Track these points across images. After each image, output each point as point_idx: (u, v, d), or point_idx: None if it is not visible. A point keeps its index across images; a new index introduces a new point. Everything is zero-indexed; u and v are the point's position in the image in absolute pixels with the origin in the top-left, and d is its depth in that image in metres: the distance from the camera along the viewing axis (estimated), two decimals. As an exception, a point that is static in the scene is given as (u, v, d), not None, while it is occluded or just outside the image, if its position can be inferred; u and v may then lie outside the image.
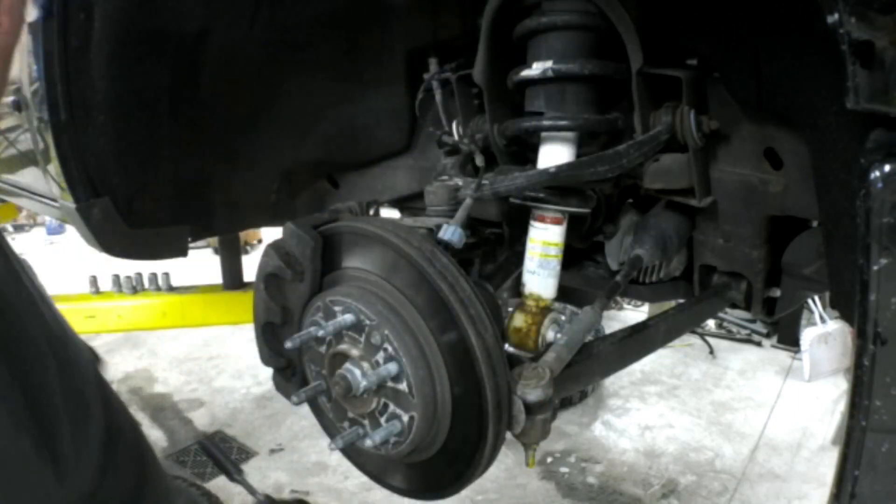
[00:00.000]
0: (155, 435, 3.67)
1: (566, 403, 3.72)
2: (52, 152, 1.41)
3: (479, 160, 1.36)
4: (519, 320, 1.17)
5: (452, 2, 1.51)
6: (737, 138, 1.18)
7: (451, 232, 1.09)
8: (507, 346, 1.16)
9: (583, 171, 1.10)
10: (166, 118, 1.49)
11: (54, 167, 1.44)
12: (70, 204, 1.47)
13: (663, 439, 3.55)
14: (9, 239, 0.64)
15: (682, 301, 1.48)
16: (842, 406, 3.62)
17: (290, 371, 1.21)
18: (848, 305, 1.01)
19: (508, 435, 0.99)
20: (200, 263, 3.59)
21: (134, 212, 1.53)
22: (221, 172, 1.68)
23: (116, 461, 0.60)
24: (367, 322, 0.98)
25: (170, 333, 4.70)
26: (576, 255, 1.59)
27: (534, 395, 0.95)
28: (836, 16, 0.66)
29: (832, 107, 0.94)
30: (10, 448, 0.50)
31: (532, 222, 1.19)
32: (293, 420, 3.66)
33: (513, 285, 1.29)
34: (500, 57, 1.25)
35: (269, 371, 1.24)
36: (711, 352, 4.56)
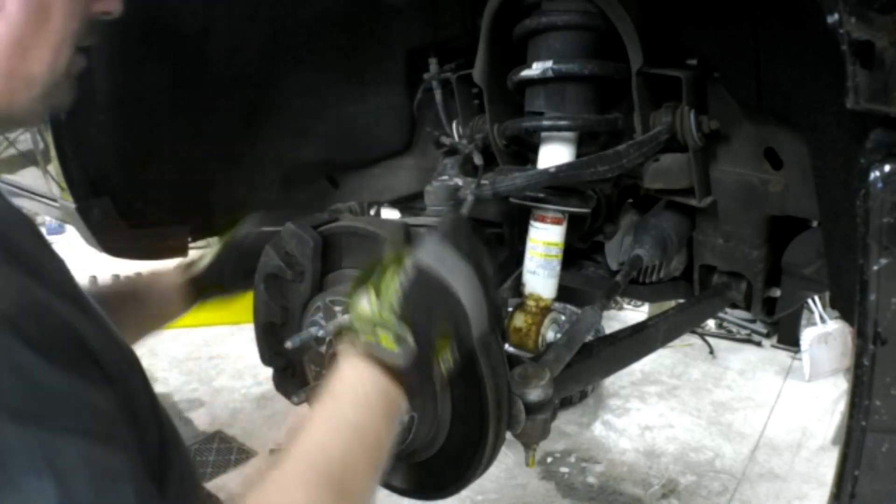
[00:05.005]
0: (155, 435, 3.66)
1: (566, 403, 3.71)
2: (52, 152, 1.41)
3: (478, 159, 1.36)
4: (519, 320, 1.17)
5: (452, 2, 1.51)
6: (737, 138, 1.18)
7: (453, 231, 1.08)
8: (507, 346, 1.15)
9: (583, 171, 1.10)
10: (166, 118, 1.49)
11: (54, 167, 1.44)
12: (70, 204, 1.47)
13: (663, 439, 3.55)
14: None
15: (682, 301, 1.48)
16: (842, 406, 3.62)
17: (290, 371, 1.21)
18: (848, 305, 1.01)
19: (508, 435, 0.99)
20: (200, 263, 3.58)
21: (134, 212, 1.53)
22: (222, 172, 1.68)
23: None
24: (367, 322, 0.98)
25: (170, 333, 4.70)
26: (576, 255, 1.59)
27: (534, 395, 0.95)
28: (836, 16, 0.66)
29: (832, 107, 0.94)
30: None
31: (532, 222, 1.19)
32: (293, 420, 3.66)
33: (513, 285, 1.29)
34: (500, 57, 1.25)
35: (269, 371, 1.24)
36: (711, 352, 4.56)
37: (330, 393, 0.72)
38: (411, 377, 0.73)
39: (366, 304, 0.75)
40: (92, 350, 0.60)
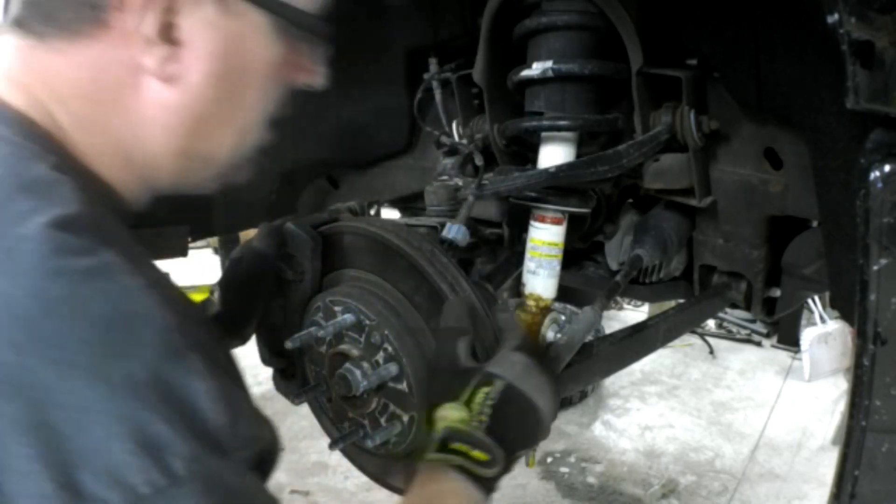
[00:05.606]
0: (155, 435, 3.66)
1: (566, 403, 3.72)
2: (52, 152, 1.40)
3: (478, 159, 1.36)
4: (519, 320, 1.17)
5: (452, 2, 1.51)
6: (737, 138, 1.18)
7: (455, 230, 1.09)
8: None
9: (583, 171, 1.10)
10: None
11: (54, 167, 1.43)
12: (70, 204, 1.46)
13: (663, 439, 3.55)
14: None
15: (682, 301, 1.48)
16: (842, 406, 3.62)
17: (290, 371, 1.21)
18: (848, 305, 1.01)
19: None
20: (200, 263, 3.59)
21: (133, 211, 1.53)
22: (221, 172, 1.67)
23: None
24: (368, 322, 0.98)
25: (170, 333, 4.69)
26: (576, 255, 1.59)
27: (534, 395, 0.95)
28: (836, 16, 0.66)
29: (832, 107, 0.94)
30: None
31: (532, 222, 1.19)
32: (293, 420, 3.66)
33: (513, 285, 1.29)
34: (500, 57, 1.25)
35: (269, 371, 1.24)
36: (711, 352, 4.56)
37: (435, 499, 0.77)
38: (494, 486, 0.79)
39: (458, 417, 0.79)
40: (269, 453, 0.62)
